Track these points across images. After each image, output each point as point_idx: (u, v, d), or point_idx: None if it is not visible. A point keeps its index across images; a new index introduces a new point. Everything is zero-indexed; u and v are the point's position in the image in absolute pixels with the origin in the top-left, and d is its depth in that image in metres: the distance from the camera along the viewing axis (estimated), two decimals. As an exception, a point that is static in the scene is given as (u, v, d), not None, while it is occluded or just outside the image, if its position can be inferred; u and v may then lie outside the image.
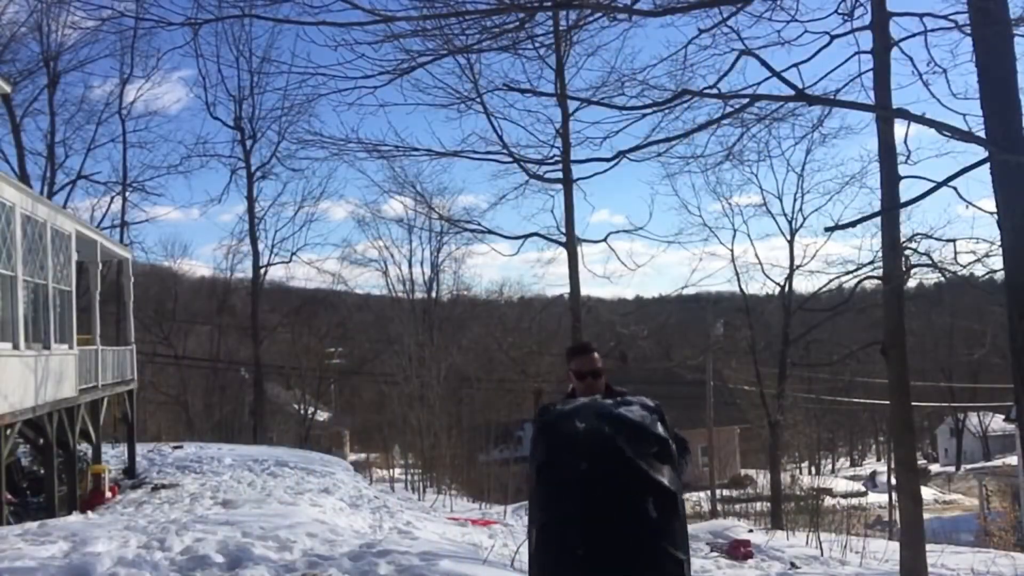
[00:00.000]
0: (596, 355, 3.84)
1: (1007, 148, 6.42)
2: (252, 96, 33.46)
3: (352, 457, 42.01)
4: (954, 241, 11.27)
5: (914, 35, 9.61)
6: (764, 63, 7.18)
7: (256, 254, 34.66)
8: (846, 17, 9.63)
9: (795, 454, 41.69)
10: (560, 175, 17.28)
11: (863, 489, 43.40)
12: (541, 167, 17.79)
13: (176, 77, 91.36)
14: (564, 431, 2.95)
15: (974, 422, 57.17)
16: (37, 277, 12.30)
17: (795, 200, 27.06)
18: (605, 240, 18.91)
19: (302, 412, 41.03)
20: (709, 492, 29.91)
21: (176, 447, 21.13)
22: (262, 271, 35.46)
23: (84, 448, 15.21)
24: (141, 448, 18.89)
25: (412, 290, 42.48)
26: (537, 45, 14.43)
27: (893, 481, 18.73)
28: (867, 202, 34.02)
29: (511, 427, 42.15)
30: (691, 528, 9.03)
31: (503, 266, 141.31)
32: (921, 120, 7.17)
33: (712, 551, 13.39)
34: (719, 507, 28.39)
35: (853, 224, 8.79)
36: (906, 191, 10.31)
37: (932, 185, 7.25)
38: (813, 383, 40.75)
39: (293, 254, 37.08)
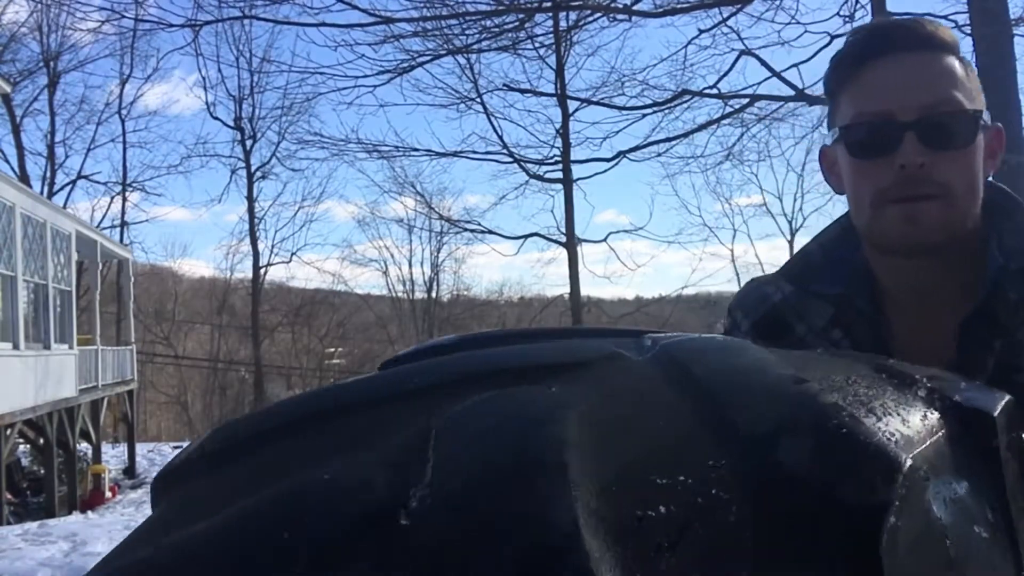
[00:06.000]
0: (955, 62, 0.98)
1: (1007, 148, 6.43)
2: (252, 96, 33.40)
3: (352, 457, 41.97)
4: (954, 241, 11.25)
5: (914, 35, 9.61)
6: (764, 63, 7.20)
7: (256, 254, 34.70)
8: (847, 19, 9.64)
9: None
10: (560, 175, 17.29)
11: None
12: (541, 167, 17.82)
13: (176, 77, 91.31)
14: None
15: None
16: (37, 277, 12.30)
17: (795, 200, 27.24)
18: (605, 240, 18.98)
19: (302, 412, 41.03)
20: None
21: (176, 447, 21.15)
22: (262, 271, 35.51)
23: (84, 448, 15.21)
24: (141, 448, 18.90)
25: (412, 290, 42.41)
26: (537, 45, 14.42)
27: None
28: (867, 202, 33.95)
29: (511, 427, 42.23)
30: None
31: (504, 266, 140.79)
32: (921, 120, 7.17)
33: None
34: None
35: (853, 224, 8.77)
36: (906, 191, 10.29)
37: (932, 185, 7.26)
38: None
39: (293, 254, 37.14)
